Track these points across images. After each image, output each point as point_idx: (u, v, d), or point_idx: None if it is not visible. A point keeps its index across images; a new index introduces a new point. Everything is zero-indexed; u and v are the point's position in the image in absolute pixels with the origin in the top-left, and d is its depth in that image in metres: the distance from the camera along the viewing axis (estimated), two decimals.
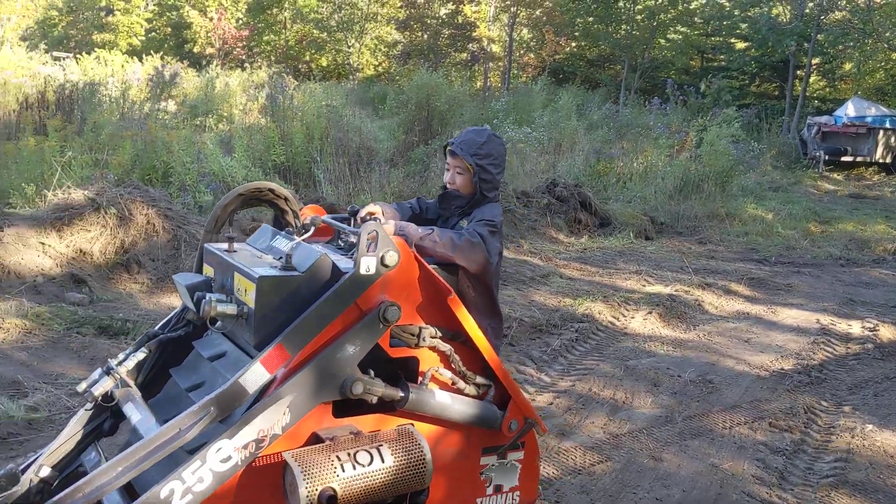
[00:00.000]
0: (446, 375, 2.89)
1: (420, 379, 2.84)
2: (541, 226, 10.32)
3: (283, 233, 3.06)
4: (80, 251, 6.89)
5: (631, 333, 6.93)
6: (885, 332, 7.20)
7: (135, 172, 9.84)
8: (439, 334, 2.84)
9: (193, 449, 2.43)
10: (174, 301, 6.83)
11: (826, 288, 8.90)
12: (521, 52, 33.13)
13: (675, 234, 11.51)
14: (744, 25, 26.15)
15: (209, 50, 33.59)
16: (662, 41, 29.15)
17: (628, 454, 4.66)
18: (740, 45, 28.44)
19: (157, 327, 3.10)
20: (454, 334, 2.90)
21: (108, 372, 2.85)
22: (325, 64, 36.78)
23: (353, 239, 3.04)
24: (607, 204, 11.73)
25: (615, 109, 21.84)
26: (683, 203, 12.31)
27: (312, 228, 3.09)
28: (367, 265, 2.62)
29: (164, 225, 7.28)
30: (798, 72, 25.31)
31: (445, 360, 2.90)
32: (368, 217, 3.21)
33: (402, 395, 2.74)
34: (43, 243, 6.76)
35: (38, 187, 7.97)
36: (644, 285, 8.40)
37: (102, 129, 11.08)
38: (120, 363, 2.90)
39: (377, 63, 37.18)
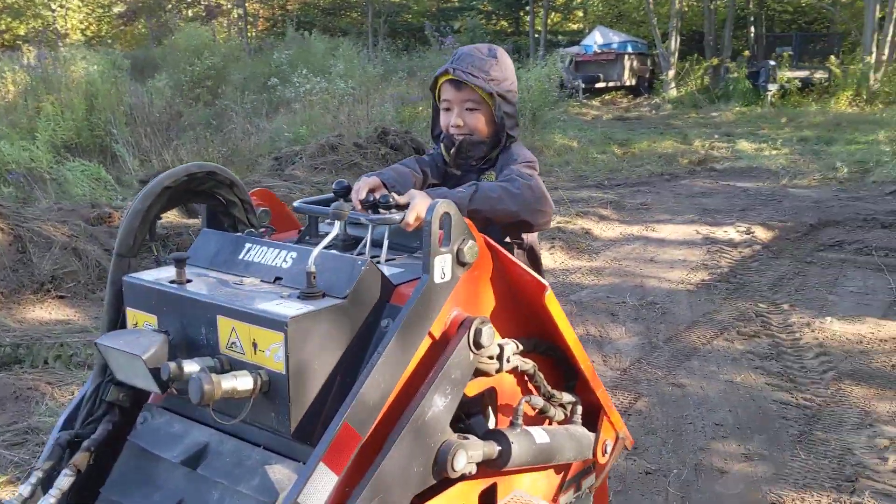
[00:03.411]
0: (538, 404, 2.08)
1: (510, 418, 1.99)
2: None
3: (250, 236, 2.02)
4: None
5: (548, 269, 6.83)
6: (762, 234, 7.76)
7: None
8: (520, 348, 1.98)
9: None
10: (42, 314, 5.59)
11: (674, 202, 9.44)
12: (250, 3, 31.60)
13: None
14: None
15: None
16: None
17: (650, 387, 4.55)
18: None
19: (60, 421, 1.96)
20: (535, 343, 2.08)
21: None
22: (23, 32, 32.54)
23: (361, 229, 2.08)
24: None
25: (374, 55, 21.55)
26: None
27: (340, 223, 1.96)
28: (443, 268, 1.74)
29: (1, 225, 5.90)
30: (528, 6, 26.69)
31: (526, 382, 2.07)
32: (374, 199, 2.07)
33: (501, 448, 1.89)
34: None
35: None
36: None
37: None
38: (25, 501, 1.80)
39: (84, 28, 33.67)
